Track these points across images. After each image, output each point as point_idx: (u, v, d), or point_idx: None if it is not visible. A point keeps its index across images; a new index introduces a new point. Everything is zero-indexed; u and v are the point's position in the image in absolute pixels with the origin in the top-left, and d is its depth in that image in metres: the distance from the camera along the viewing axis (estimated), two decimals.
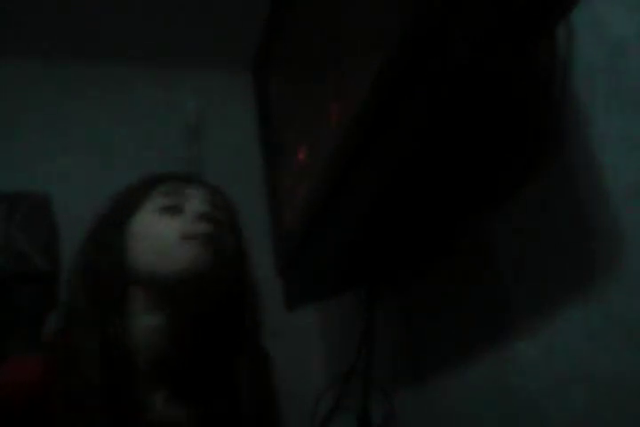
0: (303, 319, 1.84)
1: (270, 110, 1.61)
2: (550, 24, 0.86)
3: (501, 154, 1.03)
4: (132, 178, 1.04)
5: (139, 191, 0.99)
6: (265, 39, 1.60)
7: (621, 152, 0.86)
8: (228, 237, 0.98)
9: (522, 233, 1.05)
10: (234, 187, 2.02)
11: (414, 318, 1.39)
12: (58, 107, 2.01)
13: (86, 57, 2.04)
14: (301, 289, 1.50)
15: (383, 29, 0.97)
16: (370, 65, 1.01)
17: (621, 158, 0.86)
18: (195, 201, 0.97)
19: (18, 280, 1.71)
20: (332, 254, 1.28)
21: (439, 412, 1.29)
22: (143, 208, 0.97)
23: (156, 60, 2.08)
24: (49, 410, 0.81)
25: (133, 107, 2.07)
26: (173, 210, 0.95)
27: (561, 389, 0.96)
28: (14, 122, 1.96)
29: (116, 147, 2.01)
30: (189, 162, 2.03)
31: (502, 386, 1.10)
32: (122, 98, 2.07)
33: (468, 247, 1.18)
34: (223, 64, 2.08)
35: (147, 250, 0.93)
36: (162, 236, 0.93)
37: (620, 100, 0.86)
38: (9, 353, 1.65)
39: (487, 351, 1.13)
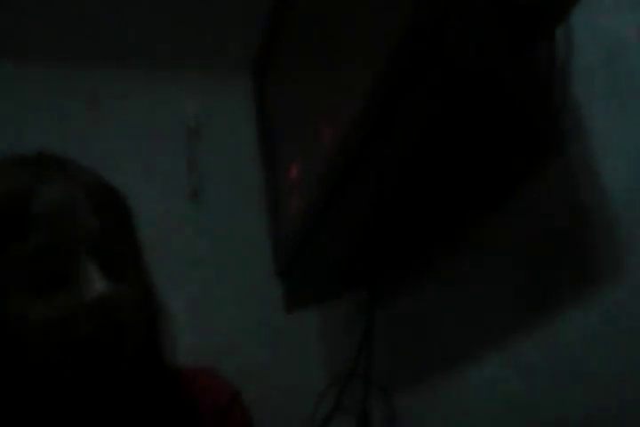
0: (303, 319, 1.84)
1: (269, 112, 1.61)
2: (550, 25, 0.86)
3: (502, 154, 1.03)
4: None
5: None
6: (265, 41, 1.60)
7: (621, 152, 0.86)
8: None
9: (522, 233, 1.05)
10: (233, 188, 2.04)
11: (414, 318, 1.39)
12: (58, 108, 2.01)
13: (86, 58, 2.04)
14: (301, 291, 1.50)
15: (383, 30, 0.97)
16: (370, 65, 1.01)
17: (621, 158, 0.86)
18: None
19: None
20: (331, 256, 1.28)
21: (439, 412, 1.29)
22: None
23: (155, 61, 2.08)
24: None
25: (133, 108, 2.07)
26: None
27: (561, 389, 0.96)
28: (14, 122, 1.96)
29: (115, 148, 2.00)
30: (189, 164, 2.03)
31: (502, 386, 1.10)
32: (122, 99, 2.07)
33: (468, 247, 1.18)
34: (223, 66, 2.08)
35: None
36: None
37: (620, 101, 0.86)
38: None
39: (487, 352, 1.13)
